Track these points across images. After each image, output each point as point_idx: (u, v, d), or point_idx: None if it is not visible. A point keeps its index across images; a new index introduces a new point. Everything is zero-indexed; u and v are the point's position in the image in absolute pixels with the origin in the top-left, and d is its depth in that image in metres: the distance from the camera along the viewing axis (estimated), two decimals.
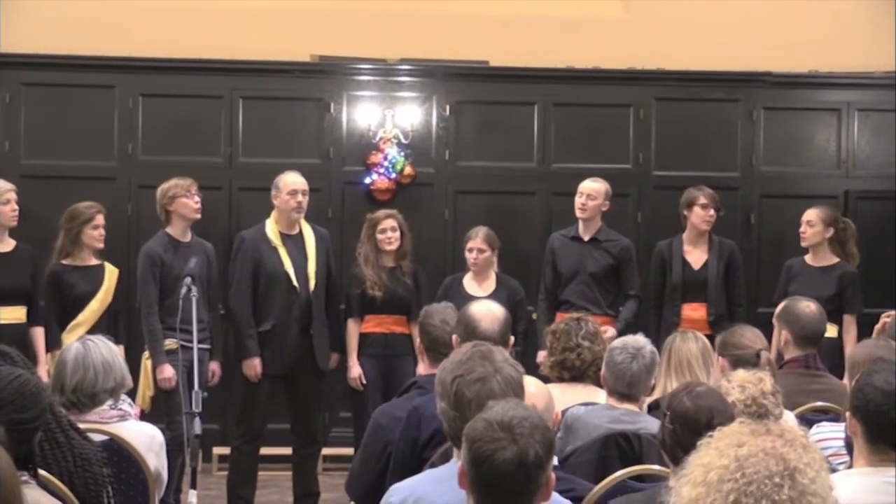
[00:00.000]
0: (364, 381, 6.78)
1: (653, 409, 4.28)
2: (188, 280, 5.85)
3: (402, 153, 8.23)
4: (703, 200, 7.12)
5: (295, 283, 6.60)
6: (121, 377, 4.09)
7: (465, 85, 8.41)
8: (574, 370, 4.58)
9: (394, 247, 6.87)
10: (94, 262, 6.58)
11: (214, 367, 6.62)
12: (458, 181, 8.37)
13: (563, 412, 4.07)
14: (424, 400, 3.87)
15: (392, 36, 8.45)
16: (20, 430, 2.84)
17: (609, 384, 4.19)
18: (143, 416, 5.57)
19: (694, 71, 8.49)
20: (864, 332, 6.48)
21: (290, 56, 8.26)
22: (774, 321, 5.34)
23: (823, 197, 8.15)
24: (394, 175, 8.21)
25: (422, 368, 4.43)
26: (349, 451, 6.77)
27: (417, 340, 4.53)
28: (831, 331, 6.21)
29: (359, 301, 6.84)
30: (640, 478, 3.63)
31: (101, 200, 6.67)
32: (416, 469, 3.55)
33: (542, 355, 5.75)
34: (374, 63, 8.39)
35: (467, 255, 6.96)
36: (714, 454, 2.20)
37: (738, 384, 3.75)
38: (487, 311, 4.44)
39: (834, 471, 2.72)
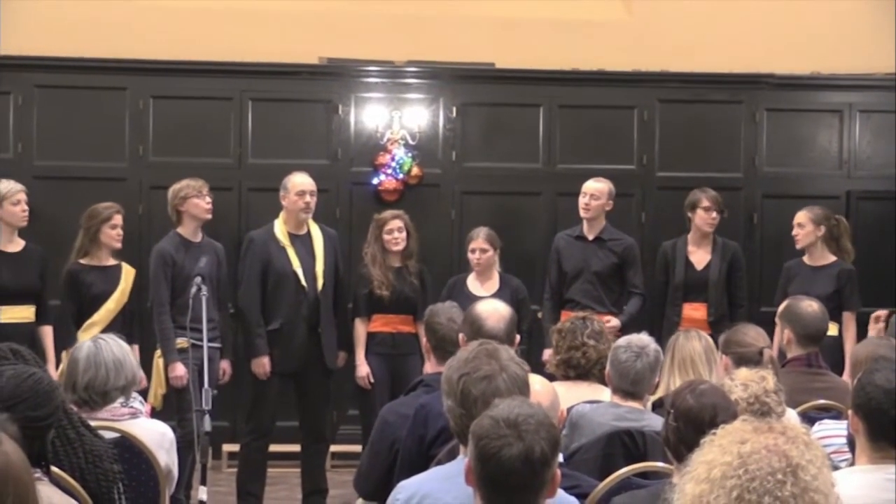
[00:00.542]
0: (371, 380, 6.81)
1: (657, 406, 4.29)
2: (199, 280, 5.86)
3: (410, 154, 8.26)
4: (706, 203, 7.16)
5: (303, 282, 6.62)
6: (132, 375, 4.09)
7: (472, 87, 8.43)
8: (579, 368, 4.61)
9: (400, 247, 6.90)
10: (111, 262, 6.60)
11: (225, 365, 6.65)
12: (464, 182, 8.40)
13: (569, 410, 4.08)
14: (431, 398, 3.87)
15: (399, 38, 8.47)
16: (33, 427, 2.85)
17: (613, 382, 4.20)
18: (155, 414, 5.62)
19: (697, 73, 8.51)
20: (864, 329, 6.50)
21: (298, 58, 8.29)
22: (777, 320, 5.36)
23: (825, 197, 8.17)
24: (401, 176, 8.24)
25: (429, 367, 4.44)
26: (357, 448, 6.79)
27: (424, 340, 4.54)
28: (832, 329, 6.19)
29: (366, 301, 6.87)
30: (644, 475, 3.63)
31: (112, 201, 6.68)
32: (422, 466, 3.56)
33: (547, 353, 5.76)
34: (382, 65, 8.40)
35: (470, 255, 6.99)
36: (717, 451, 2.21)
37: (742, 382, 3.77)
38: (493, 310, 4.48)
39: (836, 468, 2.69)
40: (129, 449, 3.92)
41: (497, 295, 6.50)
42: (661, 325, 7.01)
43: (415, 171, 8.27)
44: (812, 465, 2.17)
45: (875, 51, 8.47)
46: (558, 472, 2.63)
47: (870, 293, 7.55)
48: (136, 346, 6.46)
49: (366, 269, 6.91)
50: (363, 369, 6.84)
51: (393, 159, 8.25)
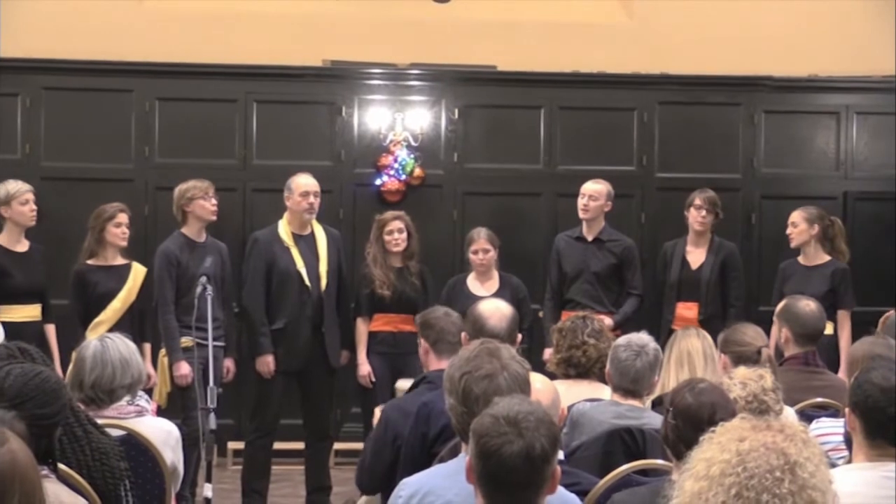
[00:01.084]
0: (373, 379, 6.83)
1: (656, 405, 4.29)
2: (203, 279, 5.86)
3: (412, 155, 8.28)
4: (697, 202, 7.19)
5: (307, 282, 6.64)
6: (138, 373, 4.10)
7: (474, 89, 8.46)
8: (580, 367, 4.62)
9: (401, 248, 6.92)
10: (119, 261, 6.61)
11: (229, 364, 6.67)
12: (466, 183, 8.42)
13: (569, 408, 4.09)
14: (434, 396, 3.89)
15: (402, 41, 8.50)
16: (41, 425, 2.85)
17: (614, 381, 4.22)
18: (160, 412, 5.62)
19: (696, 75, 8.53)
20: (858, 329, 6.52)
21: (302, 61, 8.30)
22: (775, 319, 5.39)
23: (823, 198, 8.19)
24: (403, 177, 8.26)
25: (431, 365, 4.46)
26: (360, 445, 6.73)
27: (421, 342, 4.53)
28: (827, 328, 6.23)
29: (368, 300, 6.89)
30: (643, 472, 3.63)
31: (118, 202, 6.69)
32: (425, 463, 3.60)
33: (548, 352, 5.78)
34: (385, 68, 8.42)
35: (472, 256, 7.01)
36: (716, 449, 2.22)
37: (740, 381, 3.79)
38: (495, 309, 4.54)
39: (833, 465, 2.70)
40: (136, 446, 3.93)
41: (497, 294, 6.54)
42: (660, 324, 7.04)
43: (417, 172, 8.30)
44: (810, 462, 2.18)
45: (872, 53, 8.48)
46: (558, 468, 2.64)
47: (867, 293, 7.59)
48: (148, 345, 6.53)
49: (367, 270, 6.93)
50: (364, 368, 6.86)
51: (395, 160, 8.27)
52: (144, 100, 8.17)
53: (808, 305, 5.21)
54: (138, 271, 6.65)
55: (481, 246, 7.00)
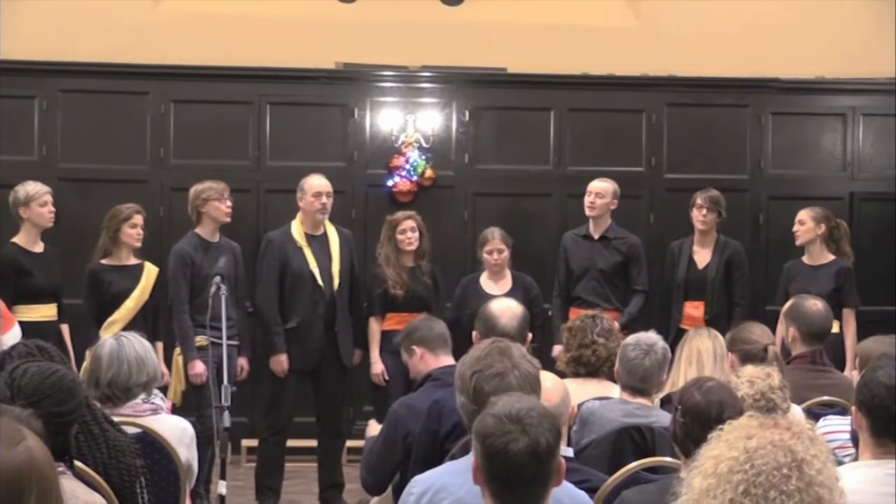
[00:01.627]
0: (386, 377, 6.88)
1: (665, 403, 4.30)
2: (218, 279, 5.88)
3: (423, 157, 8.32)
4: (698, 201, 7.22)
5: (320, 282, 6.68)
6: (153, 372, 4.12)
7: (484, 91, 8.49)
8: (589, 366, 4.66)
9: (413, 247, 6.95)
10: (133, 261, 6.66)
11: (243, 362, 6.72)
12: (476, 183, 8.46)
13: (579, 406, 4.10)
14: (445, 393, 3.89)
15: (413, 44, 8.53)
16: (57, 422, 2.87)
17: (623, 379, 4.25)
18: (175, 410, 5.58)
19: (704, 77, 8.56)
20: (863, 327, 6.56)
21: (315, 63, 8.35)
22: (781, 318, 5.41)
23: (829, 199, 8.21)
24: (415, 178, 8.30)
25: (432, 364, 4.50)
26: None
27: (410, 358, 4.56)
28: (833, 327, 6.27)
29: (381, 300, 6.92)
30: (652, 469, 3.63)
31: (133, 203, 6.75)
32: (437, 461, 3.61)
33: (557, 350, 5.80)
34: (397, 70, 8.46)
35: (486, 256, 7.04)
36: (724, 446, 2.22)
37: (747, 379, 3.80)
38: (506, 308, 4.59)
39: (840, 463, 2.69)
40: (151, 444, 3.94)
41: (510, 293, 6.59)
42: (669, 322, 7.07)
43: (428, 173, 8.34)
44: (817, 459, 2.19)
45: (878, 55, 8.49)
46: (563, 461, 2.65)
47: (873, 293, 7.62)
48: (160, 344, 6.55)
49: (380, 269, 6.96)
50: (377, 367, 6.90)
51: (407, 162, 8.31)
52: (160, 102, 8.22)
53: (815, 305, 5.24)
54: (151, 271, 6.70)
55: (496, 246, 7.04)
